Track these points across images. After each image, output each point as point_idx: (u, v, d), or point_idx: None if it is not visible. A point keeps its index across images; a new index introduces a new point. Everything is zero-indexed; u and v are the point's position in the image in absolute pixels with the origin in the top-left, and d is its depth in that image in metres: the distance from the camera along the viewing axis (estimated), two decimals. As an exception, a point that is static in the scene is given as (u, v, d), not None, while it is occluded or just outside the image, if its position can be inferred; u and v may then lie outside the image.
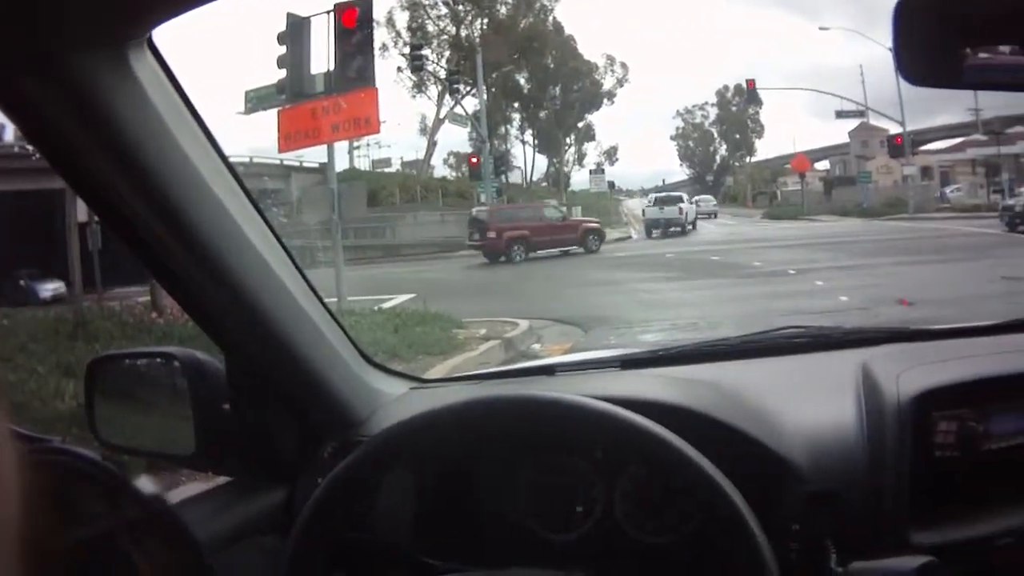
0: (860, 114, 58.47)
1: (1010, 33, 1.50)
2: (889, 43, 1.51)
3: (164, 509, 1.10)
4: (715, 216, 59.05)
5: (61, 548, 0.91)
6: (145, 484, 1.07)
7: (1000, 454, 2.04)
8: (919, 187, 51.38)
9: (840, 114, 57.74)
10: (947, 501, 1.99)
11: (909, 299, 15.78)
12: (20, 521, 0.72)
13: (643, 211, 49.07)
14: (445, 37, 60.14)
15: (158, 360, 2.39)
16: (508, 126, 66.15)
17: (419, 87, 60.23)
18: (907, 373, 2.13)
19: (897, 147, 49.48)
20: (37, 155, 1.72)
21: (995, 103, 51.27)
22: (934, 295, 16.29)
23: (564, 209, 40.91)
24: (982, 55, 1.51)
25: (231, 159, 1.99)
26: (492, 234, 33.55)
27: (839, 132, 73.38)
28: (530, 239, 33.90)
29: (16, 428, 0.82)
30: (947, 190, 55.00)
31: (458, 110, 54.33)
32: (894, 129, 51.19)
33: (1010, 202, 35.05)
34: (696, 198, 57.92)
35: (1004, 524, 1.96)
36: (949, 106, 65.54)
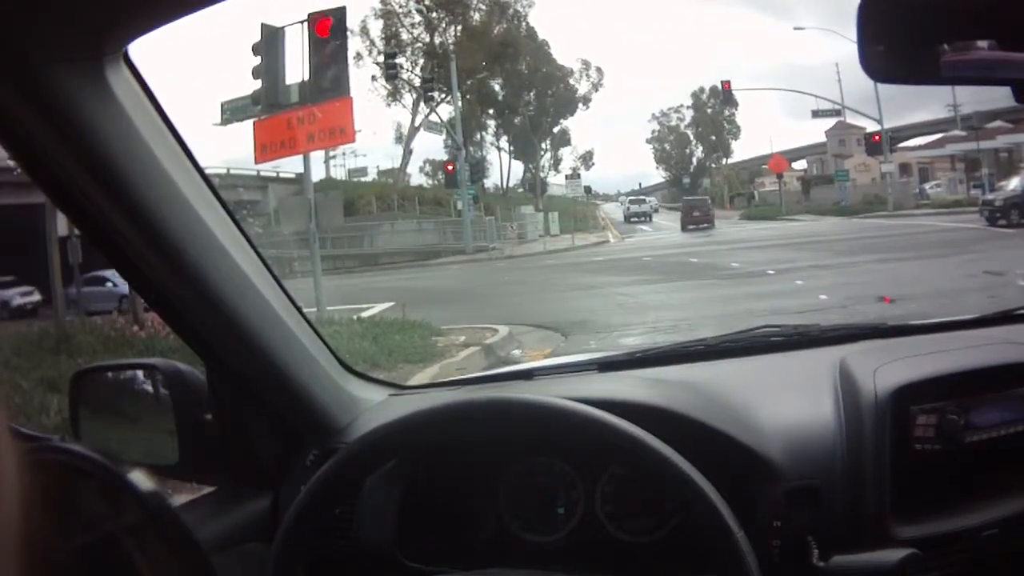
0: (837, 113, 58.43)
1: (973, 27, 1.52)
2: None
3: (165, 509, 1.11)
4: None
5: (61, 548, 0.91)
6: (146, 483, 1.07)
7: (982, 446, 2.05)
8: (898, 184, 51.44)
9: (816, 113, 57.60)
10: (930, 494, 2.00)
11: (890, 296, 15.79)
12: (20, 521, 0.72)
13: (627, 207, 67.30)
14: (419, 45, 59.69)
15: (141, 372, 2.39)
16: (483, 133, 65.83)
17: (394, 95, 59.72)
18: (884, 368, 2.14)
19: (875, 145, 49.57)
20: (18, 170, 1.73)
21: (973, 98, 51.43)
22: (915, 291, 16.34)
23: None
24: (954, 51, 1.52)
25: (208, 171, 1.99)
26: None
27: (816, 131, 73.33)
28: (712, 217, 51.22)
29: (16, 427, 0.83)
30: (926, 186, 54.99)
31: (433, 117, 54.08)
32: (871, 127, 51.44)
33: (990, 197, 34.94)
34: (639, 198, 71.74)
35: (989, 515, 1.97)
36: (927, 102, 65.74)
